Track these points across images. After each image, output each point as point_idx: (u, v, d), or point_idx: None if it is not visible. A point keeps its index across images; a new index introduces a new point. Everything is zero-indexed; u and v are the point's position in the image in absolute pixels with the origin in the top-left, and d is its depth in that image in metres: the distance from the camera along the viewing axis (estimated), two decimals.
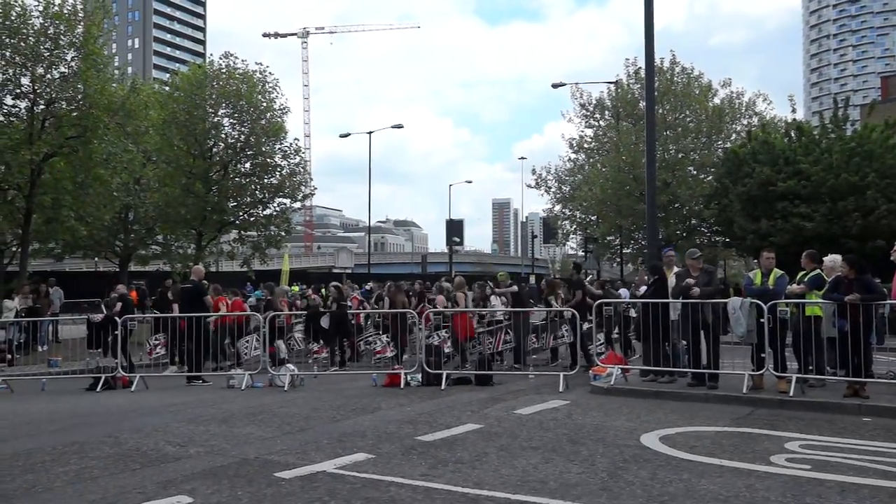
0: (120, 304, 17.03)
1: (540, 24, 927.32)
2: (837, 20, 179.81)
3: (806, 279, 12.59)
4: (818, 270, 12.75)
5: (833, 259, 12.74)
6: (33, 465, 8.13)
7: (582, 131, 44.36)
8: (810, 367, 12.36)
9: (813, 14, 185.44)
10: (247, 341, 16.47)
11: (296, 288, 29.49)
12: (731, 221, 33.72)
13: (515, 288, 18.46)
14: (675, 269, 14.28)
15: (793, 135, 34.06)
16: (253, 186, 35.97)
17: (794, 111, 37.85)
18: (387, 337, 17.09)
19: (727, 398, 11.92)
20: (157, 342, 17.56)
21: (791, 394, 11.64)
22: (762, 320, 12.08)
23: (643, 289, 17.91)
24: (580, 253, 55.41)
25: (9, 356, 19.54)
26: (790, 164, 31.27)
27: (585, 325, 15.64)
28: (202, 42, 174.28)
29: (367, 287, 29.92)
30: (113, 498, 6.72)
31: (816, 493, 6.70)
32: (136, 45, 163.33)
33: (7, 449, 9.11)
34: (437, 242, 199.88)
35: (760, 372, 12.28)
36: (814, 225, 29.60)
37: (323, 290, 25.26)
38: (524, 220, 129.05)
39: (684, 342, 13.51)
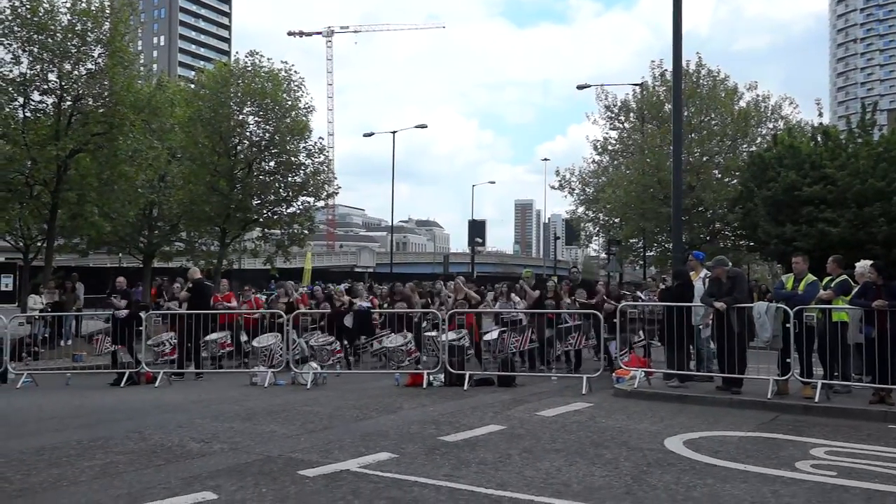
0: (125, 300, 17.12)
1: (566, 26, 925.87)
2: (865, 24, 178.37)
3: (833, 284, 12.50)
4: (844, 276, 12.67)
5: (864, 265, 12.63)
6: (59, 460, 8.19)
7: (606, 133, 44.23)
8: (836, 373, 12.27)
9: (840, 18, 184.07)
10: (279, 344, 16.44)
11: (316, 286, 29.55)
12: (756, 226, 33.49)
13: (537, 293, 18.17)
14: (702, 273, 14.21)
15: (819, 139, 33.81)
16: (277, 185, 35.98)
17: (820, 115, 37.39)
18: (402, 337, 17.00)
19: (752, 403, 11.85)
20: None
21: (816, 400, 11.57)
22: (788, 325, 12.02)
23: (642, 295, 17.94)
24: (602, 255, 55.25)
25: (34, 349, 19.70)
26: (816, 169, 31.04)
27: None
28: (227, 40, 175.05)
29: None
30: (138, 493, 6.75)
31: (842, 500, 6.66)
32: (162, 43, 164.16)
33: (33, 443, 9.17)
34: (459, 243, 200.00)
35: (786, 377, 12.22)
36: (839, 230, 29.38)
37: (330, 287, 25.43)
38: (546, 221, 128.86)
39: (713, 346, 13.45)
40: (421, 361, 16.39)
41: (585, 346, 17.21)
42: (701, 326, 13.52)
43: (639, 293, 20.53)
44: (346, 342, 17.93)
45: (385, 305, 20.20)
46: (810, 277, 12.51)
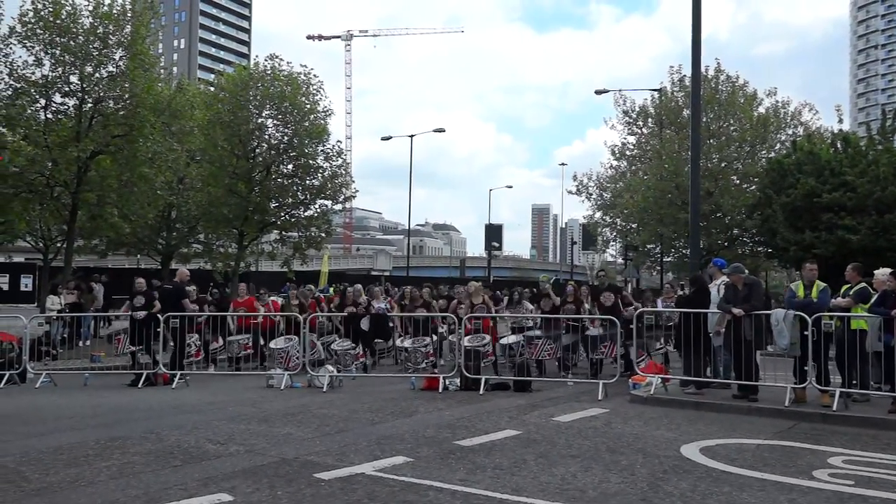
0: (144, 300, 17.14)
1: (586, 30, 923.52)
2: (886, 30, 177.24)
3: (851, 292, 12.44)
4: (864, 283, 12.60)
5: (884, 272, 12.55)
6: (76, 459, 8.24)
7: (624, 138, 44.08)
8: (854, 382, 12.21)
9: (861, 24, 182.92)
10: (297, 348, 16.49)
11: (332, 289, 29.58)
12: (775, 232, 33.30)
13: (557, 300, 17.99)
14: (719, 280, 14.11)
15: (839, 146, 33.60)
16: (295, 188, 36.08)
17: (840, 121, 37.12)
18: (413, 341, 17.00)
19: (769, 411, 11.80)
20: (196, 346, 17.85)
21: (834, 408, 11.50)
22: (806, 333, 11.95)
23: (659, 302, 17.84)
24: (619, 260, 55.05)
25: (53, 351, 19.80)
26: (836, 176, 30.81)
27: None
28: (247, 43, 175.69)
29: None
30: (155, 493, 6.79)
31: None
32: (182, 46, 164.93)
33: (51, 442, 9.23)
34: (475, 247, 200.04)
35: (803, 385, 12.15)
36: (859, 237, 29.16)
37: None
38: (563, 226, 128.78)
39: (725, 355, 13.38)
40: (438, 365, 16.43)
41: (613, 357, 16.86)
42: (712, 334, 13.45)
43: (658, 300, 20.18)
44: (360, 345, 17.92)
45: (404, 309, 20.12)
46: (821, 284, 12.46)
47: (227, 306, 20.03)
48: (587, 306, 17.44)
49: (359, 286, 20.81)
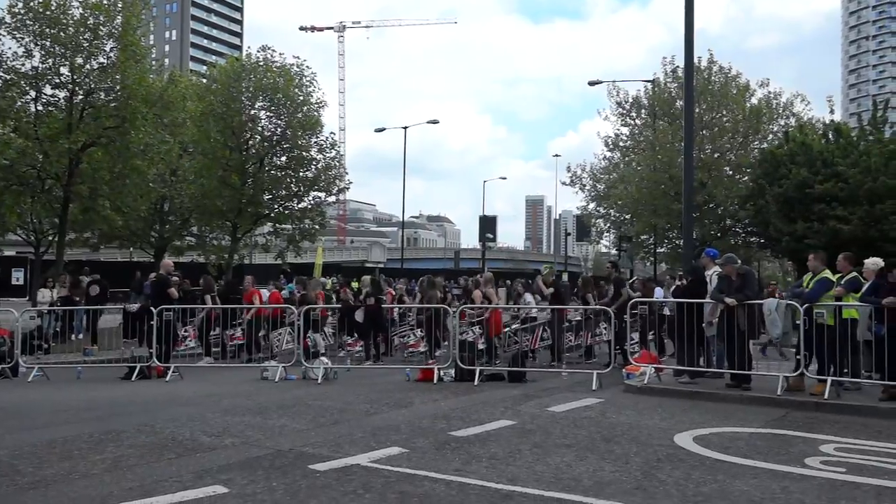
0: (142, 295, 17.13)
1: (582, 22, 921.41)
2: (877, 21, 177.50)
3: (843, 281, 12.47)
4: (855, 273, 12.64)
5: (875, 262, 12.59)
6: (70, 453, 8.22)
7: (618, 129, 44.16)
8: (846, 370, 12.25)
9: (852, 15, 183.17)
10: (279, 334, 16.59)
11: (330, 283, 29.59)
12: (767, 223, 33.39)
13: (552, 290, 18.18)
14: (711, 270, 14.14)
15: (830, 136, 33.69)
16: (288, 180, 36.17)
17: (832, 112, 37.25)
18: (420, 331, 17.13)
19: (762, 400, 11.83)
20: (186, 334, 17.78)
21: (826, 396, 11.54)
22: (798, 322, 11.99)
23: (659, 291, 17.96)
24: (613, 251, 55.12)
25: (45, 345, 19.75)
26: (828, 166, 30.90)
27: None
28: (239, 35, 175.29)
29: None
30: (149, 486, 6.78)
31: (852, 497, 6.65)
32: (174, 38, 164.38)
33: (45, 435, 9.21)
34: (469, 238, 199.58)
35: (795, 374, 12.19)
36: (851, 228, 29.24)
37: (354, 284, 25.25)
38: (557, 217, 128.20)
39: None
40: (434, 357, 16.45)
41: (596, 343, 17.18)
42: (704, 325, 13.46)
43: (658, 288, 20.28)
44: (356, 336, 17.93)
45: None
46: (821, 275, 12.49)
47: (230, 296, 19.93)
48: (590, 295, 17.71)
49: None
